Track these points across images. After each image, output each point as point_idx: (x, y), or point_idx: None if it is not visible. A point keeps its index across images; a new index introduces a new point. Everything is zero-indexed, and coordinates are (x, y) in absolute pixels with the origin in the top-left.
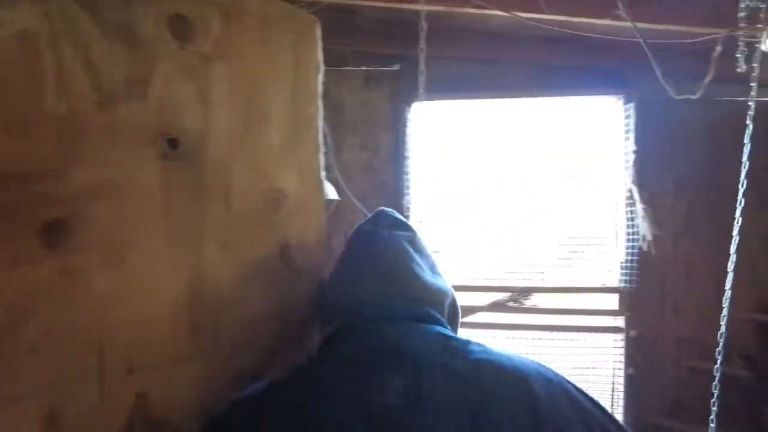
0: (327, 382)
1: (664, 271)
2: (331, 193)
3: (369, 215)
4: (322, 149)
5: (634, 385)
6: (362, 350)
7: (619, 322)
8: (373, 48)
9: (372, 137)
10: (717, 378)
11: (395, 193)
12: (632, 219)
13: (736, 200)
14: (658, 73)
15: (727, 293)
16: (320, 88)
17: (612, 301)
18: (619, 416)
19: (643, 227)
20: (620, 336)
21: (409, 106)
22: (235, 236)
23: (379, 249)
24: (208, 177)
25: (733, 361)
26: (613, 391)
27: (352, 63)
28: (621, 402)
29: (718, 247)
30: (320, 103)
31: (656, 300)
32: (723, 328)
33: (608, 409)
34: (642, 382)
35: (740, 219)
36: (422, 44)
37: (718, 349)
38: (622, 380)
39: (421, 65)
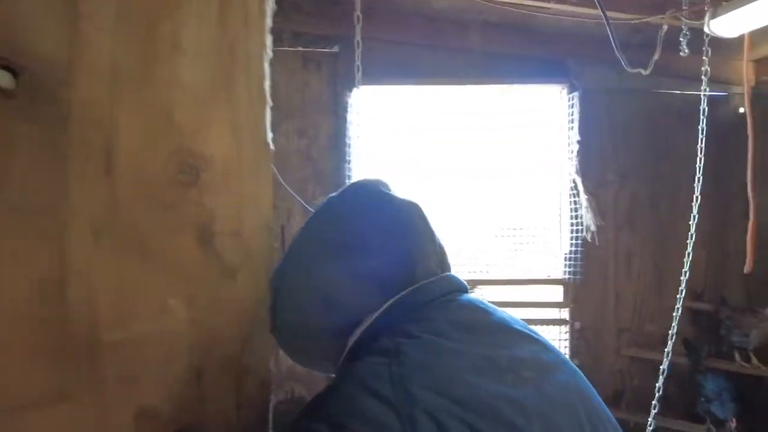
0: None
1: (606, 261)
2: None
3: (309, 207)
4: (269, 101)
5: None
6: (464, 323)
7: (564, 314)
8: (311, 28)
9: (310, 123)
10: (666, 366)
11: (335, 183)
12: (576, 210)
13: (676, 192)
14: (615, 45)
15: (683, 284)
16: (269, 15)
17: (557, 293)
18: None
19: (587, 218)
20: (565, 328)
21: (350, 91)
22: (122, 219)
23: (414, 214)
24: (76, 131)
25: (672, 349)
26: None
27: (288, 43)
28: None
29: (657, 238)
30: (268, 38)
31: (599, 291)
32: (675, 321)
33: None
34: (585, 372)
35: (696, 211)
36: (358, 36)
37: (670, 333)
38: None
39: (357, 61)
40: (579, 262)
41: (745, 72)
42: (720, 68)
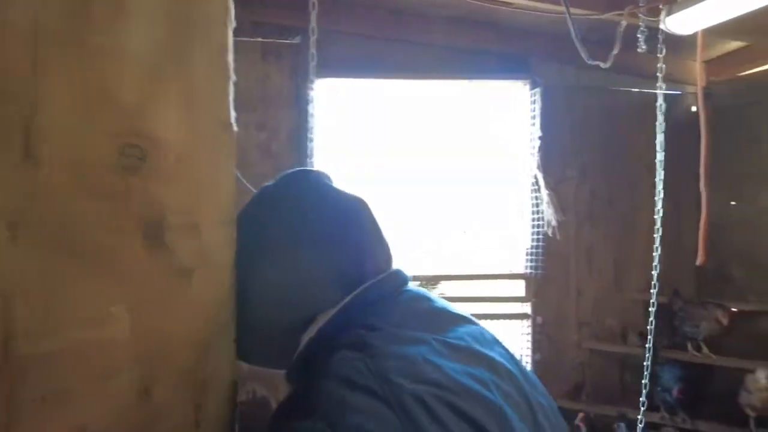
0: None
1: (567, 256)
2: None
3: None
4: (233, 76)
5: (541, 370)
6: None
7: (526, 308)
8: (271, 18)
9: (270, 117)
10: (649, 357)
11: None
12: (537, 205)
13: (633, 188)
14: (575, 37)
15: (654, 278)
16: None
17: (519, 288)
18: None
19: (548, 213)
20: (527, 322)
21: (312, 83)
22: (46, 212)
23: (363, 209)
24: None
25: (630, 340)
26: None
27: (247, 33)
28: None
29: (616, 233)
30: (231, 2)
31: (560, 285)
32: (652, 315)
33: None
34: (547, 366)
35: (660, 204)
36: (313, 22)
37: (650, 327)
38: (529, 366)
39: (312, 49)
40: (540, 257)
41: (699, 70)
42: (674, 68)
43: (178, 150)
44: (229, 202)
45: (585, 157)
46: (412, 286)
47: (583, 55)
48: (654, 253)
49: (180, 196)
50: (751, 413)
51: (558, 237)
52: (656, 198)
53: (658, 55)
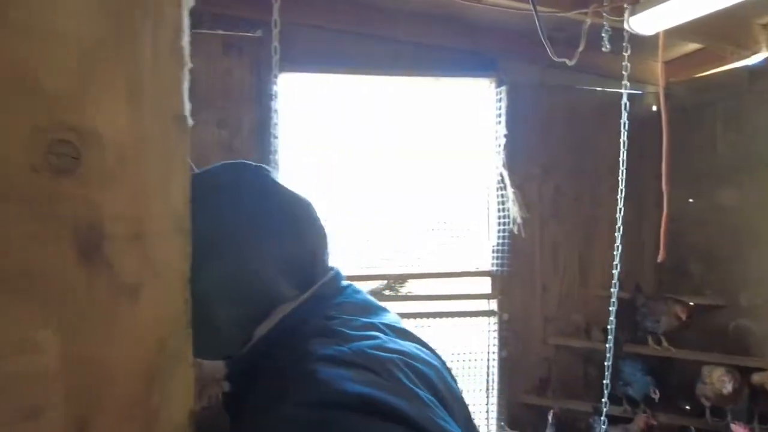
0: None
1: (533, 253)
2: None
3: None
4: (188, 63)
5: (507, 367)
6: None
7: (493, 305)
8: (231, 10)
9: (232, 113)
10: (610, 351)
11: None
12: (503, 203)
13: (596, 185)
14: (542, 32)
15: (615, 277)
16: None
17: (485, 285)
18: (494, 399)
19: (513, 210)
20: (494, 319)
21: (275, 78)
22: None
23: (311, 207)
24: None
25: (593, 335)
26: (488, 374)
27: (207, 26)
28: (496, 385)
29: (580, 230)
30: None
31: (526, 282)
32: (613, 311)
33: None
34: (513, 363)
35: (621, 202)
36: (275, 14)
37: (610, 328)
38: (496, 363)
39: (275, 42)
40: (506, 255)
41: (660, 70)
42: (635, 68)
43: (120, 147)
44: (183, 208)
45: (550, 156)
46: (346, 282)
47: (550, 51)
48: (614, 252)
49: (122, 201)
50: (706, 403)
51: (523, 234)
52: (618, 196)
53: (624, 53)
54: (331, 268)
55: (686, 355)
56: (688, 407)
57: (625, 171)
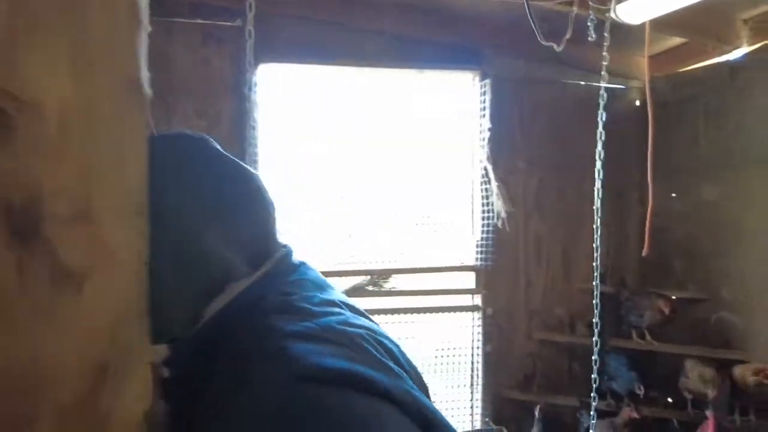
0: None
1: (516, 247)
2: None
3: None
4: (146, 23)
5: (492, 362)
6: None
7: (477, 300)
8: None
9: (211, 103)
10: (598, 345)
11: None
12: (487, 197)
13: (580, 179)
14: (531, 18)
15: (596, 270)
16: None
17: (469, 280)
18: (479, 394)
19: (498, 205)
20: (478, 314)
21: (255, 69)
22: None
23: (258, 178)
24: None
25: (578, 330)
26: (472, 369)
27: (186, 14)
28: (480, 380)
29: (564, 224)
30: None
31: (510, 276)
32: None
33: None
34: (498, 357)
35: (598, 199)
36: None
37: (595, 320)
38: (480, 358)
39: (249, 26)
40: (490, 249)
41: (645, 63)
42: (619, 63)
43: (63, 116)
44: (140, 184)
45: (533, 149)
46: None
47: (538, 35)
48: (594, 244)
49: (65, 176)
50: (688, 396)
51: (507, 228)
52: (595, 188)
53: (604, 44)
54: (284, 245)
55: (669, 348)
56: (670, 399)
57: (607, 166)
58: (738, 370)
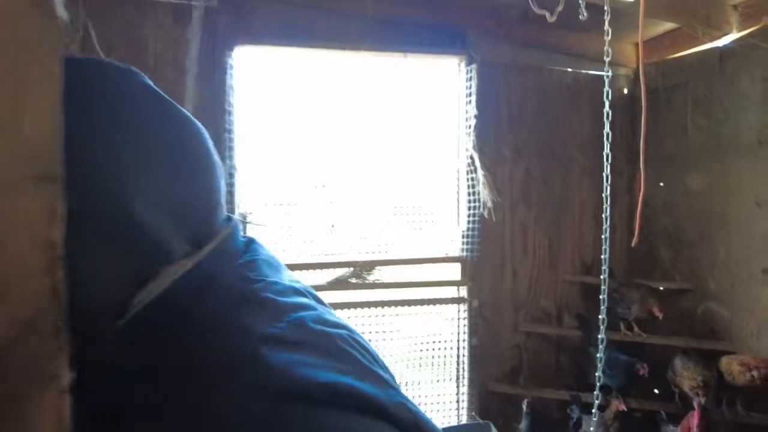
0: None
1: (503, 238)
2: None
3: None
4: None
5: (478, 355)
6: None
7: (463, 292)
8: None
9: (183, 87)
10: (603, 342)
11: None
12: (473, 186)
13: (567, 168)
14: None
15: (605, 263)
16: None
17: (455, 271)
18: (465, 388)
19: (484, 194)
20: (464, 306)
21: (231, 51)
22: None
23: (202, 130)
24: None
25: (565, 322)
26: (458, 363)
27: None
28: (466, 373)
29: (550, 213)
30: None
31: (496, 267)
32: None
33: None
34: (484, 351)
35: (608, 188)
36: None
37: (601, 317)
38: (466, 351)
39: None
40: (476, 240)
41: (641, 46)
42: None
43: None
44: (49, 143)
45: (519, 137)
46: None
47: (532, 4)
48: (603, 235)
49: None
50: (675, 389)
51: (494, 219)
52: (603, 175)
53: (605, 27)
54: (229, 218)
55: (657, 340)
56: (656, 391)
57: (593, 155)
58: (724, 361)
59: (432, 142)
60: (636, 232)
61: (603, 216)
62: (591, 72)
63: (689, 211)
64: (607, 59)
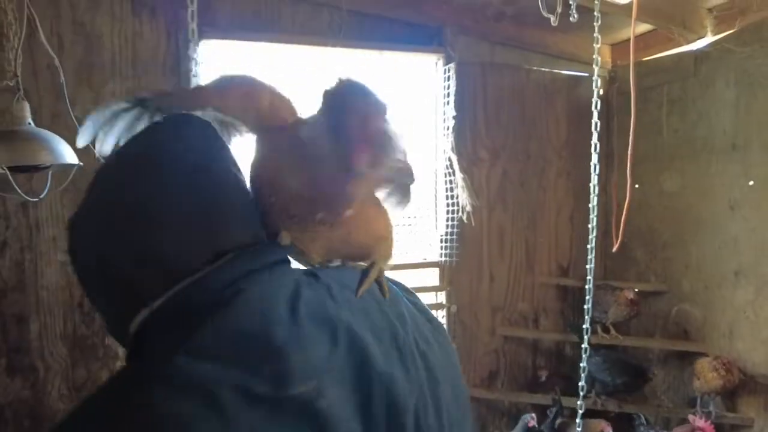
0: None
1: (480, 241)
2: (68, 155)
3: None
4: None
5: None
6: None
7: (441, 298)
8: None
9: (144, 84)
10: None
11: None
12: (451, 189)
13: (543, 169)
14: None
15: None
16: None
17: (433, 277)
18: None
19: (463, 197)
20: (443, 312)
21: (196, 45)
22: None
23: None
24: None
25: (541, 325)
26: None
27: None
28: None
29: (527, 216)
30: None
31: (473, 271)
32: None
33: None
34: (463, 355)
35: (596, 187)
36: None
37: (586, 318)
38: None
39: None
40: (455, 244)
41: (632, 45)
42: (584, 50)
43: None
44: None
45: (496, 138)
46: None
47: (541, 7)
48: (589, 245)
49: None
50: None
51: (473, 223)
52: (591, 184)
53: (595, 23)
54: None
55: (633, 342)
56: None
57: (569, 155)
58: (698, 364)
59: (409, 143)
60: (619, 237)
61: (589, 226)
62: (567, 72)
63: (664, 212)
64: (596, 67)
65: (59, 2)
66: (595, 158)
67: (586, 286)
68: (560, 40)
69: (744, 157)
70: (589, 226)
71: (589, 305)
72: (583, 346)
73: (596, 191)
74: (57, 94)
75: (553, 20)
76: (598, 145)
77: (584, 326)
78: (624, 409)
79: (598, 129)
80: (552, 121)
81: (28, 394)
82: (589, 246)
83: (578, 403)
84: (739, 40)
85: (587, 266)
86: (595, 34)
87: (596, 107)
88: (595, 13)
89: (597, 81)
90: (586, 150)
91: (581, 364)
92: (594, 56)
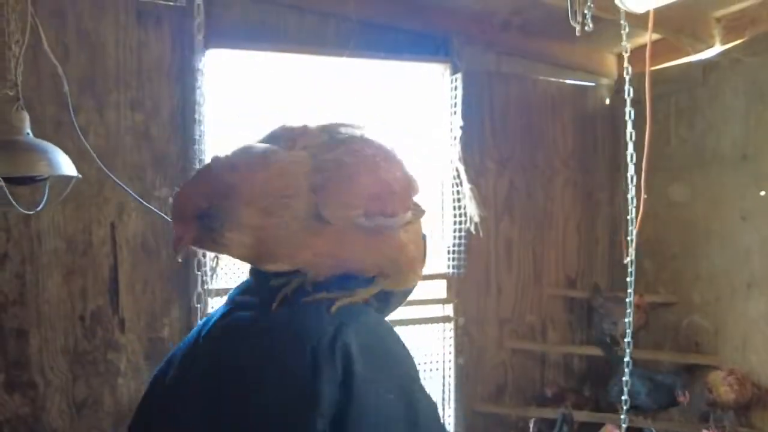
0: None
1: (488, 252)
2: (66, 166)
3: (145, 203)
4: None
5: (464, 375)
6: None
7: (448, 310)
8: None
9: (148, 94)
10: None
11: (182, 170)
12: (459, 200)
13: (550, 180)
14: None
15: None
16: None
17: (440, 289)
18: (451, 410)
19: (471, 208)
20: (450, 325)
21: (201, 54)
22: None
23: None
24: None
25: (549, 337)
26: (444, 383)
27: None
28: (452, 394)
29: (534, 226)
30: None
31: (481, 283)
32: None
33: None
34: (469, 369)
35: (633, 199)
36: None
37: (628, 339)
38: (452, 371)
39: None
40: (462, 255)
41: (648, 53)
42: (589, 59)
43: None
44: None
45: (503, 148)
46: None
47: (570, 17)
48: (629, 258)
49: None
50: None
51: (481, 234)
52: (629, 196)
53: (623, 32)
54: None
55: (642, 354)
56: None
57: (576, 166)
58: (711, 377)
59: (415, 154)
60: (632, 248)
61: (629, 239)
62: (574, 82)
63: (673, 223)
64: (627, 76)
65: (63, 11)
66: (631, 169)
67: (627, 299)
68: (567, 50)
69: (755, 167)
70: (629, 239)
71: (630, 318)
72: (626, 360)
73: (634, 203)
74: (60, 103)
75: (578, 31)
76: (634, 156)
77: (626, 339)
78: (635, 424)
79: (633, 138)
80: (558, 130)
81: (27, 411)
82: (629, 259)
83: (621, 417)
84: (748, 49)
85: (627, 279)
86: (623, 43)
87: (630, 117)
88: (622, 22)
89: (629, 90)
90: (592, 159)
91: (623, 378)
92: (624, 65)
